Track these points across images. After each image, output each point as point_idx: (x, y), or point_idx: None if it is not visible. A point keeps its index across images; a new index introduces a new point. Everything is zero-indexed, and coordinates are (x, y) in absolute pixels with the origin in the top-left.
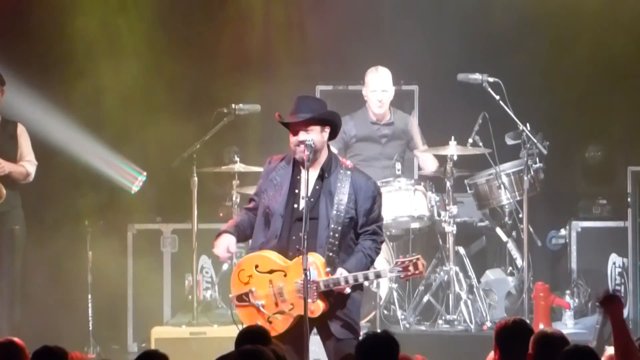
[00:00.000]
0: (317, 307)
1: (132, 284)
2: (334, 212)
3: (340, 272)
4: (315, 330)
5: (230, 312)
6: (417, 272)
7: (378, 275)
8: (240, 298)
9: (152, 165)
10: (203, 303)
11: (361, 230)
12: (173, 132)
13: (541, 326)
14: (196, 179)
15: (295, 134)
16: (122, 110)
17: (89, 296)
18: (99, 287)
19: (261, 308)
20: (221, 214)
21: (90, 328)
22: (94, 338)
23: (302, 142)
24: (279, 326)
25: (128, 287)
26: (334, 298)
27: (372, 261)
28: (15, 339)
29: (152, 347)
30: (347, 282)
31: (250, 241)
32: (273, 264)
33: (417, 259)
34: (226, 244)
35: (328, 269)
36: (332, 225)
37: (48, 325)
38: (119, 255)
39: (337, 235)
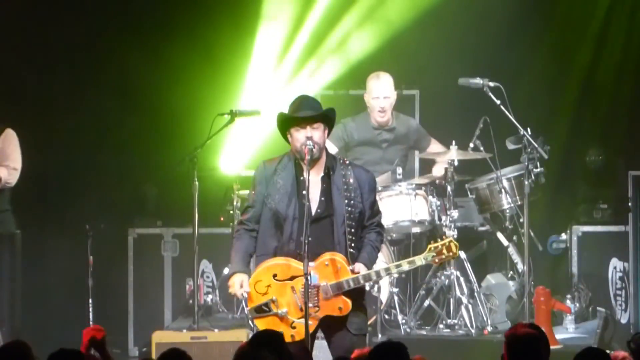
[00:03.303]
0: (346, 304)
1: (132, 288)
2: (346, 208)
3: (357, 267)
4: (319, 334)
5: (230, 317)
6: (450, 254)
7: (413, 264)
8: (259, 309)
9: (153, 169)
10: (204, 307)
11: (368, 222)
12: (174, 136)
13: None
14: (197, 183)
15: (304, 129)
16: (122, 114)
17: (90, 300)
18: (99, 291)
19: (286, 315)
20: (222, 219)
21: None
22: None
23: (309, 138)
24: (303, 331)
25: (129, 291)
26: (353, 294)
27: (379, 252)
28: (23, 340)
29: (153, 351)
30: (378, 276)
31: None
32: (294, 270)
33: (450, 241)
34: (240, 280)
35: (351, 267)
36: (348, 222)
37: (49, 329)
38: (120, 260)
39: (353, 230)
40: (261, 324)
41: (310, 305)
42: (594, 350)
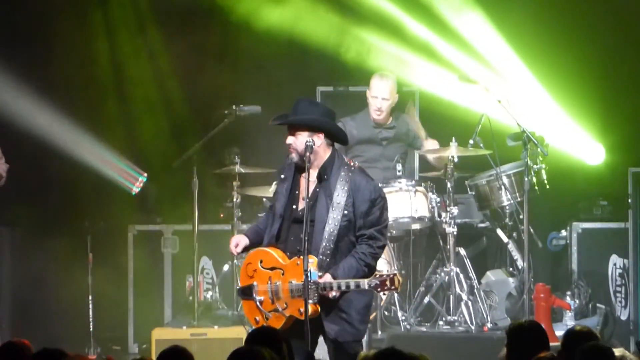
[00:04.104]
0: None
1: (132, 285)
2: (331, 214)
3: (325, 277)
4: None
5: (230, 313)
6: (392, 287)
7: (357, 286)
8: (244, 291)
9: (153, 166)
10: (204, 304)
11: (358, 233)
12: (174, 133)
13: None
14: (197, 180)
15: (287, 137)
16: (123, 111)
17: (90, 297)
18: (99, 288)
19: (258, 304)
20: (222, 215)
21: (91, 329)
22: (95, 339)
23: (289, 145)
24: (274, 324)
25: (129, 288)
26: (330, 300)
27: (367, 265)
28: (24, 340)
29: (153, 348)
30: (332, 288)
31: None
32: (275, 262)
33: (395, 274)
34: (236, 240)
35: (320, 273)
36: (328, 229)
37: (49, 326)
38: (120, 256)
39: (332, 238)
40: (245, 306)
41: (279, 299)
42: (599, 346)
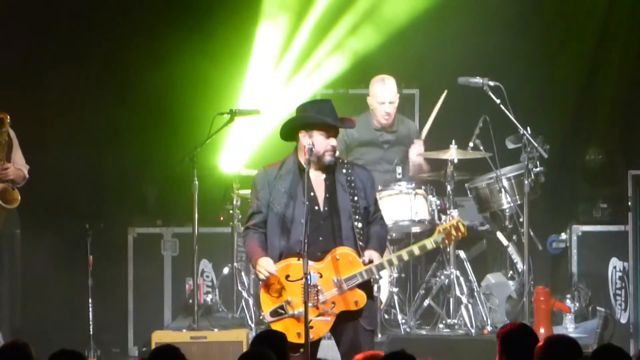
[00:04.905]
0: (362, 297)
1: (132, 288)
2: (351, 203)
3: (370, 255)
4: (328, 334)
5: (230, 316)
6: (459, 234)
7: (424, 248)
8: (275, 313)
9: (153, 168)
10: (204, 307)
11: (372, 218)
12: (174, 135)
13: (542, 331)
14: (197, 182)
15: (329, 137)
16: (122, 113)
17: (90, 300)
18: (99, 290)
19: (303, 315)
20: (222, 218)
21: (91, 332)
22: (95, 342)
23: (333, 147)
24: (321, 329)
25: (129, 291)
26: (364, 287)
27: (386, 242)
28: (24, 341)
29: None
30: (391, 264)
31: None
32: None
33: (458, 221)
34: (266, 262)
35: (362, 259)
36: (355, 216)
37: (49, 328)
38: (120, 259)
39: (360, 224)
40: (278, 328)
41: (324, 302)
42: (614, 348)
